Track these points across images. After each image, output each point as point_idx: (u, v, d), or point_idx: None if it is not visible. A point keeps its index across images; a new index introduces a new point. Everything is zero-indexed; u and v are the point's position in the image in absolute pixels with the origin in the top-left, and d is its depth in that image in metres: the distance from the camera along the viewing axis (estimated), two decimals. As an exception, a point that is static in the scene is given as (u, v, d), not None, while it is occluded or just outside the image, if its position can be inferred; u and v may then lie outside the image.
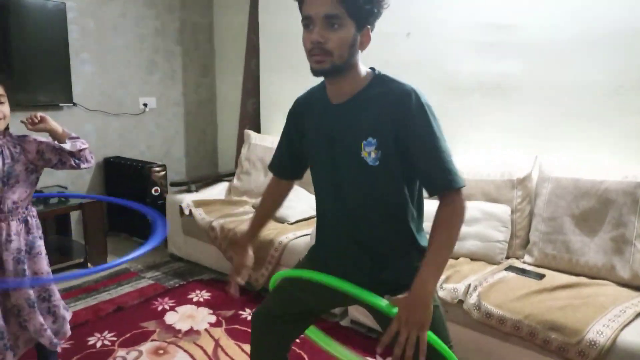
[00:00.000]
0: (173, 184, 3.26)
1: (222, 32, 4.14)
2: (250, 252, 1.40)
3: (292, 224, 2.75)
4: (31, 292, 1.63)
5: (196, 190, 3.25)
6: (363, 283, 1.16)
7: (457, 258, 2.22)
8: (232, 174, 3.50)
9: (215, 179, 3.53)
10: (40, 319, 1.65)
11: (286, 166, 1.39)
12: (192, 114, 4.14)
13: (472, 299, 1.89)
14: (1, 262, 1.58)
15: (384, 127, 1.12)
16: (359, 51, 1.14)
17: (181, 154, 4.12)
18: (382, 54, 2.77)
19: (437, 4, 2.65)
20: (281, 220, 2.79)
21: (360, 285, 1.16)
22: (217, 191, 3.36)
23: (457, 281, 1.99)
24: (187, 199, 3.05)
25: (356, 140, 1.14)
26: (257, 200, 3.04)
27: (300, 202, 2.81)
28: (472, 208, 2.30)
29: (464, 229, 2.24)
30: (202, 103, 4.21)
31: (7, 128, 1.64)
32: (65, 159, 1.66)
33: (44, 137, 1.67)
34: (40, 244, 1.69)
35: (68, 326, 1.77)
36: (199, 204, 3.02)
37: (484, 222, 2.26)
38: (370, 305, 1.20)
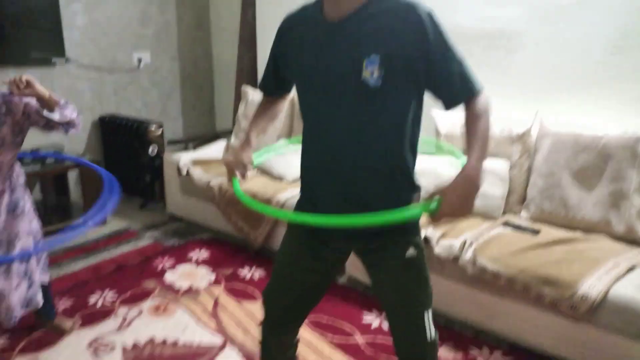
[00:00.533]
0: (171, 142, 3.23)
1: (216, -18, 3.96)
2: (251, 153, 1.27)
3: (290, 182, 2.73)
4: (14, 253, 1.62)
5: (194, 149, 3.22)
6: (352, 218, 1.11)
7: (454, 215, 2.21)
8: (230, 132, 3.45)
9: (213, 136, 3.50)
10: (8, 286, 1.61)
11: (274, 84, 1.33)
12: (188, 69, 4.04)
13: (468, 255, 1.90)
14: None
15: (389, 42, 1.06)
16: None
17: (178, 112, 4.05)
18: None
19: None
20: (279, 178, 2.78)
21: (349, 220, 1.11)
22: (215, 149, 3.32)
23: (453, 237, 1.99)
24: (185, 158, 3.03)
25: (357, 59, 1.07)
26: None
27: (299, 160, 2.78)
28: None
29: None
30: (198, 58, 4.10)
31: None
32: (53, 124, 1.62)
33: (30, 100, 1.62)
34: (25, 204, 1.67)
35: (40, 296, 1.73)
36: (197, 162, 3.00)
37: (481, 178, 2.23)
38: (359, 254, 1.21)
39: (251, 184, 2.71)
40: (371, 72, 1.06)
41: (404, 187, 1.19)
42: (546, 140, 2.18)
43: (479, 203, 2.23)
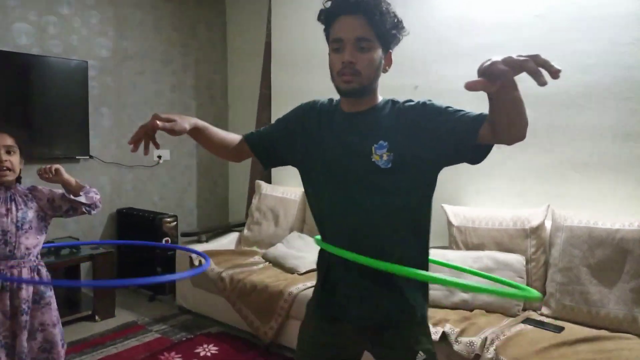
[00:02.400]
0: (184, 235, 3.27)
1: (236, 87, 4.31)
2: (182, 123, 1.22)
3: (302, 274, 2.71)
4: (29, 345, 1.61)
5: (206, 241, 3.25)
6: (364, 312, 1.19)
7: (471, 310, 2.15)
8: (243, 224, 3.50)
9: (226, 229, 3.54)
10: None
11: (265, 145, 1.32)
12: (205, 165, 4.22)
13: (489, 354, 1.81)
14: (13, 309, 1.58)
15: (396, 130, 1.14)
16: (381, 74, 1.20)
17: (193, 205, 4.16)
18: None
19: (441, 58, 2.74)
20: (291, 271, 2.76)
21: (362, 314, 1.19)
22: (228, 241, 3.35)
23: (472, 334, 1.92)
24: (198, 250, 3.04)
25: (367, 144, 1.15)
26: (267, 250, 3.03)
27: (311, 252, 2.79)
28: (485, 257, 2.27)
29: (478, 279, 2.20)
30: (215, 155, 4.29)
31: (18, 181, 1.69)
32: (77, 206, 1.70)
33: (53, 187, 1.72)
34: (51, 295, 1.69)
35: None
36: (209, 254, 3.00)
37: (497, 272, 2.20)
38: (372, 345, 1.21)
39: (263, 276, 2.68)
40: (380, 156, 1.14)
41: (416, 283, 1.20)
42: (560, 234, 2.19)
43: (497, 298, 2.18)
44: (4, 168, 1.58)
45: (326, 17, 1.17)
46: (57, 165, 1.68)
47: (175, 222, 3.40)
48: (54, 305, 1.70)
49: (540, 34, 2.41)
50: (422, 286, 1.23)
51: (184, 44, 3.99)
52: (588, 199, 2.30)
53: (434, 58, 2.78)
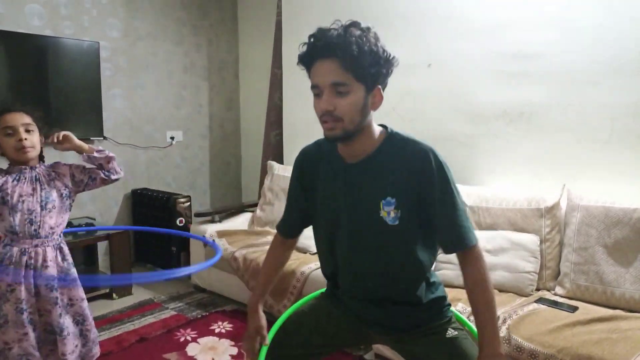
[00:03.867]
0: (197, 215, 3.31)
1: (247, 67, 4.28)
2: (262, 314, 1.36)
3: (313, 254, 2.73)
4: (64, 320, 1.66)
5: (220, 221, 3.28)
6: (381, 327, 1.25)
7: (484, 289, 2.15)
8: (255, 205, 3.53)
9: (239, 209, 3.56)
10: (69, 346, 1.67)
11: (295, 225, 1.38)
12: (217, 146, 4.23)
13: (502, 332, 1.81)
14: (36, 287, 1.62)
15: (404, 187, 1.13)
16: (371, 111, 1.14)
17: (206, 186, 4.19)
18: (404, 85, 2.82)
19: (456, 36, 2.68)
20: (303, 251, 2.78)
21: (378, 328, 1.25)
22: (241, 222, 3.38)
23: (485, 313, 1.92)
24: (211, 230, 3.08)
25: (374, 199, 1.15)
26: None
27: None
28: (499, 237, 2.25)
29: (491, 259, 2.19)
30: (227, 136, 4.31)
31: (41, 159, 1.72)
32: (95, 174, 1.72)
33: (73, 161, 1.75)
34: (75, 271, 1.74)
35: (97, 349, 1.79)
36: (222, 234, 3.04)
37: (511, 252, 2.19)
38: (395, 342, 1.23)
39: (276, 256, 2.71)
40: (388, 212, 1.14)
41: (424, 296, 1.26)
42: (575, 214, 2.16)
43: (510, 278, 2.18)
44: (25, 146, 1.61)
45: (303, 62, 1.12)
46: (65, 132, 1.69)
47: (188, 203, 3.43)
48: (79, 281, 1.75)
49: (559, 9, 2.33)
50: (439, 305, 1.27)
51: (195, 24, 3.97)
52: (605, 179, 2.26)
53: (449, 35, 2.72)
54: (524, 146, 2.51)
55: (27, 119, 1.63)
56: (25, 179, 1.63)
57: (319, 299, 1.41)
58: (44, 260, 1.63)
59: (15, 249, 1.59)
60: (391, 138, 1.17)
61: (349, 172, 1.18)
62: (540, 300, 2.04)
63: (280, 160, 3.68)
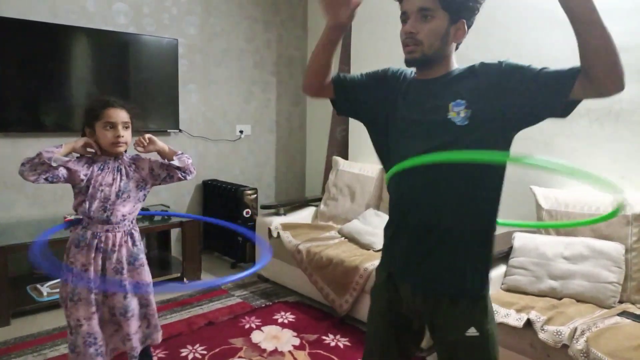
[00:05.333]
0: (263, 207, 3.39)
1: (315, 63, 4.31)
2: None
3: (377, 251, 2.71)
4: (130, 302, 1.75)
5: (284, 214, 3.35)
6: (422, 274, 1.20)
7: (560, 298, 2.03)
8: (319, 200, 3.56)
9: (303, 203, 3.62)
10: (134, 327, 1.75)
11: (345, 88, 1.31)
12: (283, 140, 4.32)
13: (579, 345, 1.70)
14: (104, 269, 1.73)
15: (475, 89, 1.11)
16: (453, 44, 1.17)
17: (271, 179, 4.29)
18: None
19: (538, 26, 2.54)
20: (367, 247, 2.77)
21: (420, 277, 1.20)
22: (304, 215, 3.43)
23: (561, 323, 1.82)
24: (276, 222, 3.15)
25: (444, 104, 1.13)
26: (343, 226, 3.06)
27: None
28: (579, 244, 2.11)
29: (569, 266, 2.06)
30: (293, 130, 4.38)
31: (125, 150, 1.84)
32: (173, 173, 1.81)
33: (153, 156, 1.84)
34: (143, 257, 1.83)
35: (159, 335, 1.86)
36: (286, 227, 3.10)
37: (592, 260, 2.05)
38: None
39: (339, 251, 2.72)
40: (457, 113, 1.12)
41: (480, 257, 1.19)
42: (668, 222, 1.98)
43: (590, 287, 2.04)
44: (120, 142, 1.72)
45: None
46: (150, 135, 1.80)
47: (255, 195, 3.53)
48: (147, 266, 1.85)
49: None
50: (483, 268, 1.20)
51: (266, 21, 4.06)
52: None
53: (529, 25, 2.58)
54: (610, 147, 2.33)
55: (126, 117, 1.74)
56: (109, 168, 1.74)
57: (373, 310, 1.36)
58: (113, 244, 1.73)
59: (89, 232, 1.71)
60: (467, 66, 1.18)
61: (420, 84, 1.21)
62: (624, 314, 1.89)
63: (345, 156, 3.68)
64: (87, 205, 1.69)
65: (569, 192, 2.35)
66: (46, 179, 1.60)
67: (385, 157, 1.28)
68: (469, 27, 1.17)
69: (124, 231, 1.76)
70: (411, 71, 1.27)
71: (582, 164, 2.43)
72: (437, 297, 1.20)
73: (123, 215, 1.75)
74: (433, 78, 1.18)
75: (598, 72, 0.96)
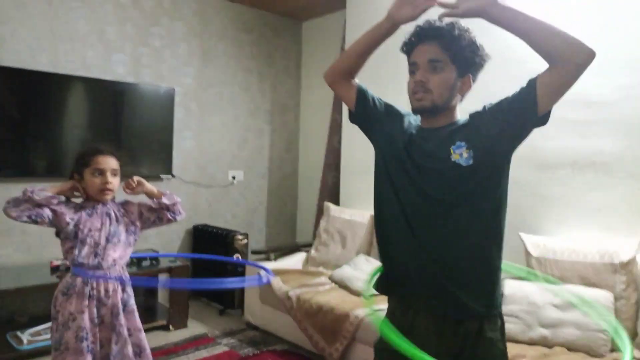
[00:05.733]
0: (254, 252, 3.38)
1: (308, 112, 4.44)
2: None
3: (368, 297, 2.68)
4: (128, 349, 1.71)
5: (275, 259, 3.33)
6: (435, 303, 1.17)
7: (551, 347, 2.01)
8: (309, 245, 3.55)
9: (294, 249, 3.60)
10: None
11: (367, 98, 1.36)
12: (275, 186, 4.36)
13: (572, 395, 1.67)
14: (100, 316, 1.70)
15: (471, 130, 1.17)
16: (459, 96, 1.23)
17: (262, 224, 4.29)
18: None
19: (518, 80, 2.65)
20: (357, 294, 2.74)
21: (434, 304, 1.17)
22: (295, 261, 3.41)
23: (553, 373, 1.79)
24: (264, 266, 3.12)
25: (445, 148, 1.17)
26: (334, 272, 3.03)
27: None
28: (568, 292, 2.11)
29: (560, 315, 2.06)
30: (285, 176, 4.44)
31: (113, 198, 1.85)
32: (162, 215, 1.82)
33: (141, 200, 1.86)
34: (133, 303, 1.81)
35: None
36: (277, 272, 3.07)
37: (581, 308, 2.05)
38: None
39: (329, 297, 2.69)
40: (460, 154, 1.16)
41: (487, 277, 1.20)
42: (654, 269, 2.00)
43: (581, 336, 2.02)
44: (108, 189, 1.74)
45: (406, 47, 1.25)
46: (138, 177, 1.82)
47: (246, 240, 3.52)
48: (136, 312, 1.82)
49: (631, 53, 2.26)
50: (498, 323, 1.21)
51: (261, 71, 4.21)
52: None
53: (511, 80, 2.69)
54: (595, 196, 2.39)
55: (115, 164, 1.77)
56: (97, 213, 1.74)
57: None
58: (106, 290, 1.71)
59: (79, 280, 1.68)
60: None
61: (422, 131, 1.25)
62: (616, 364, 1.87)
63: (336, 202, 3.71)
64: (77, 252, 1.68)
65: (557, 239, 2.38)
66: (29, 217, 1.59)
67: (385, 193, 1.28)
68: (474, 80, 1.24)
69: (115, 277, 1.74)
70: (415, 118, 1.32)
71: (569, 212, 2.47)
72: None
73: (114, 260, 1.73)
74: (438, 127, 1.23)
75: (560, 54, 1.06)
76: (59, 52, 3.12)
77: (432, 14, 1.21)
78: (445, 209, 1.17)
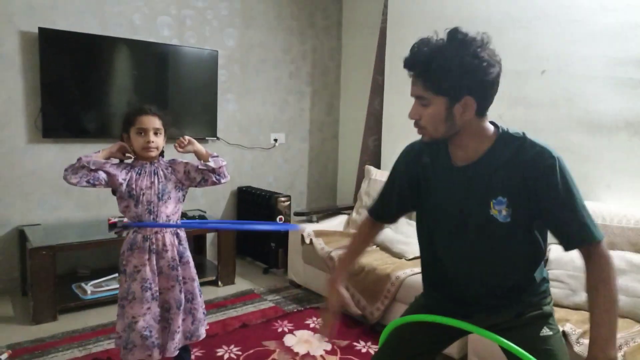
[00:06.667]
0: (297, 214, 3.46)
1: (349, 73, 4.39)
2: (344, 291, 1.38)
3: (409, 259, 2.73)
4: (183, 295, 1.86)
5: (317, 221, 3.41)
6: (480, 319, 1.22)
7: (597, 312, 2.00)
8: (350, 208, 3.60)
9: (335, 211, 3.66)
10: (179, 321, 1.86)
11: (390, 212, 1.42)
12: (316, 149, 4.39)
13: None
14: (159, 268, 1.83)
15: (517, 187, 1.13)
16: (474, 117, 1.14)
17: (304, 187, 4.36)
18: (513, 92, 2.71)
19: (575, 40, 2.53)
20: (399, 256, 2.79)
21: (477, 320, 1.20)
22: (337, 223, 3.48)
23: (597, 337, 1.79)
24: (309, 229, 3.21)
25: (485, 200, 1.16)
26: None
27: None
28: (617, 258, 2.07)
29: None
30: (326, 139, 4.45)
31: (161, 154, 1.93)
32: (208, 177, 1.89)
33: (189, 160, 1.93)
34: (189, 254, 1.93)
35: (203, 330, 1.96)
36: (319, 233, 3.16)
37: (631, 274, 2.01)
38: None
39: (371, 259, 2.75)
40: (499, 211, 1.15)
41: (529, 289, 1.25)
42: None
43: (628, 302, 2.00)
44: (150, 147, 1.82)
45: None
46: (189, 137, 1.88)
47: (289, 202, 3.61)
48: (192, 263, 1.95)
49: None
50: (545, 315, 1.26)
51: (302, 32, 4.17)
52: None
53: (567, 39, 2.56)
54: (651, 160, 2.29)
55: (157, 123, 1.84)
56: (146, 172, 1.84)
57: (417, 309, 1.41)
58: (164, 244, 1.84)
59: (139, 236, 1.82)
60: (504, 139, 1.17)
61: (460, 175, 1.21)
62: (665, 331, 1.85)
63: (377, 165, 3.72)
64: (135, 210, 1.80)
65: (607, 205, 2.31)
66: (87, 182, 1.71)
67: (424, 242, 1.35)
68: (486, 96, 1.14)
69: (171, 231, 1.87)
70: (428, 145, 1.27)
71: (621, 177, 2.39)
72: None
73: (167, 216, 1.84)
74: (470, 165, 1.18)
75: None
76: (106, 14, 3.19)
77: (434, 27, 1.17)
78: (481, 250, 1.21)
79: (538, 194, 1.12)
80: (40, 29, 2.91)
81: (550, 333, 1.22)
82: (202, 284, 3.15)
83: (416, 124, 1.18)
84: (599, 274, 1.09)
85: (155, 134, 1.83)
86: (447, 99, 1.11)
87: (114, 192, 1.85)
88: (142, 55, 3.34)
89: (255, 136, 4.00)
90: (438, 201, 1.25)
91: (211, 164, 1.88)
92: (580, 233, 1.11)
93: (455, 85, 1.10)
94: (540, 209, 1.13)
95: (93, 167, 1.72)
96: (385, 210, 1.42)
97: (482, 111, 1.16)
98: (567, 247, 1.14)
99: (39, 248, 2.59)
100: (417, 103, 1.16)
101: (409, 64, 1.15)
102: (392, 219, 1.44)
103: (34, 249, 2.59)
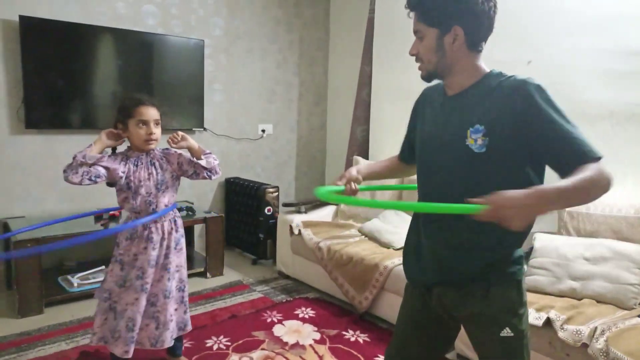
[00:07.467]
0: (285, 205, 3.46)
1: (336, 64, 4.37)
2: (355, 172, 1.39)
3: (397, 249, 2.75)
4: (171, 284, 1.86)
5: (305, 212, 3.41)
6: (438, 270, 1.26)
7: (580, 299, 2.04)
8: (339, 199, 3.60)
9: (323, 202, 3.67)
10: (171, 310, 1.85)
11: (409, 153, 1.45)
12: (304, 140, 4.38)
13: (599, 344, 1.72)
14: (157, 258, 1.84)
15: (497, 115, 1.12)
16: (464, 50, 1.17)
17: (291, 177, 4.36)
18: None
19: (561, 31, 2.55)
20: (387, 246, 2.81)
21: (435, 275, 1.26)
22: (325, 214, 3.48)
23: (580, 323, 1.83)
24: (297, 219, 3.21)
25: (462, 128, 1.17)
26: (363, 224, 3.10)
27: (406, 229, 2.79)
28: (600, 245, 2.12)
29: (590, 267, 2.07)
30: (314, 130, 4.45)
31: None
32: (199, 171, 1.89)
33: (183, 152, 1.92)
34: (183, 241, 1.94)
35: (190, 324, 1.97)
36: (307, 224, 3.16)
37: (613, 261, 2.06)
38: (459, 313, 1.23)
39: (359, 249, 2.77)
40: (475, 140, 1.14)
41: (504, 260, 1.23)
42: (692, 225, 1.98)
43: (610, 289, 2.05)
44: (152, 139, 1.80)
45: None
46: (182, 132, 1.89)
47: (277, 193, 3.60)
48: (185, 250, 1.95)
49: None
50: (515, 283, 1.23)
51: (289, 22, 4.13)
52: None
53: (552, 30, 2.58)
54: (632, 150, 2.33)
55: (157, 114, 1.83)
56: (142, 164, 1.83)
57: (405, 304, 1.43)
58: (163, 233, 1.85)
59: (139, 225, 1.82)
60: (493, 75, 1.20)
61: (446, 104, 1.25)
62: (645, 316, 1.90)
63: (365, 156, 3.73)
64: (133, 202, 1.80)
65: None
66: (90, 179, 1.69)
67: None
68: (475, 26, 1.15)
69: (169, 220, 1.88)
70: (439, 84, 1.31)
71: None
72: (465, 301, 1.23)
73: (165, 205, 1.85)
74: (458, 93, 1.22)
75: (595, 198, 1.06)
76: (89, 2, 3.13)
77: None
78: (453, 188, 1.20)
79: (520, 118, 1.08)
80: (21, 17, 2.84)
81: (512, 334, 1.17)
82: (190, 276, 3.17)
83: (416, 59, 1.24)
84: (595, 171, 1.02)
85: (156, 125, 1.82)
86: (438, 30, 1.18)
87: (110, 185, 1.84)
88: (127, 44, 3.28)
89: (243, 127, 3.98)
90: (425, 134, 1.30)
91: (203, 163, 1.87)
92: (577, 150, 1.05)
93: (445, 14, 1.16)
94: (529, 137, 1.08)
95: (90, 162, 1.69)
96: (403, 149, 1.49)
97: (472, 44, 1.18)
98: (565, 169, 1.05)
99: (23, 241, 2.56)
100: (416, 39, 1.23)
101: (407, 1, 1.23)
102: (409, 158, 1.46)
103: (19, 242, 2.55)
